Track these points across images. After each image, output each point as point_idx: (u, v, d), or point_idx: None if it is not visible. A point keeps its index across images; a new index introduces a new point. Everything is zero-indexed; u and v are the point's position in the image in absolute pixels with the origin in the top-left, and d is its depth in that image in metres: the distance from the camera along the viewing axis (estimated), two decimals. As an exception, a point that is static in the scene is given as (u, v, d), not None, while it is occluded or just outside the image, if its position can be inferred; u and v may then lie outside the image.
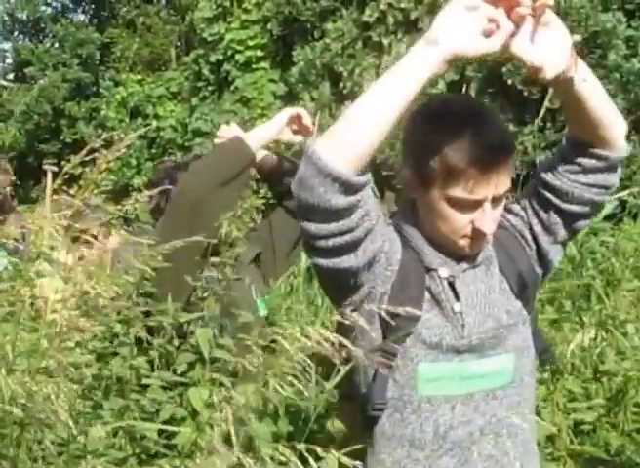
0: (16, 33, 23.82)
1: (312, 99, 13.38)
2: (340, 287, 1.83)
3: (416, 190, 1.84)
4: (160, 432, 2.12)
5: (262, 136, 2.78)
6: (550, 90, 4.14)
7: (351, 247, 1.72)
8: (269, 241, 2.94)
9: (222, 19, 16.22)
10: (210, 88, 16.81)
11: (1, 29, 23.99)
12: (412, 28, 12.07)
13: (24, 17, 23.62)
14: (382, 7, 12.43)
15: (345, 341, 1.55)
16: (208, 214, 2.59)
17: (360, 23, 12.88)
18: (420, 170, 1.80)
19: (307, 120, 2.83)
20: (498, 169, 1.75)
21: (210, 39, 16.27)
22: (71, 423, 1.72)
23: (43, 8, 23.90)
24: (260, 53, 15.83)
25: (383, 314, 1.67)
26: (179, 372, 2.30)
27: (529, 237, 1.93)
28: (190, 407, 2.09)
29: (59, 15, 23.63)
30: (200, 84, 17.03)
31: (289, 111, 2.84)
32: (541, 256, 1.94)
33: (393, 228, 1.89)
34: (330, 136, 1.67)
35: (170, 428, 2.03)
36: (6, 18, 23.72)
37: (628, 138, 1.81)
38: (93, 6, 24.00)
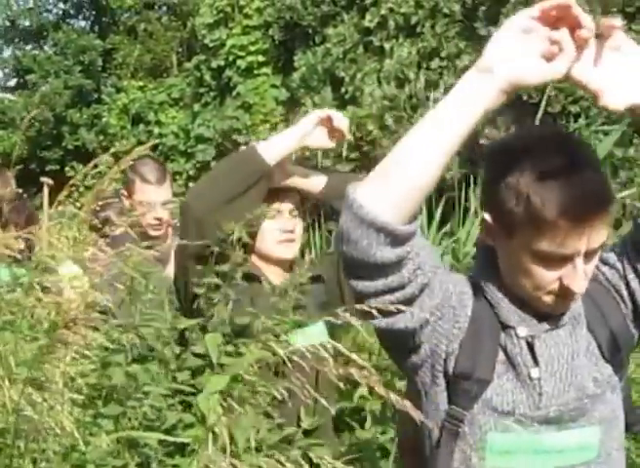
0: (17, 40, 23.85)
1: (314, 105, 13.37)
2: (398, 348, 1.65)
3: (495, 237, 1.61)
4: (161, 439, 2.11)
5: (285, 145, 2.46)
6: (547, 92, 4.10)
7: (405, 304, 1.53)
8: (336, 273, 2.61)
9: (224, 24, 16.24)
10: (212, 94, 16.83)
11: (2, 35, 24.04)
12: (413, 33, 12.07)
13: (26, 24, 23.67)
14: (383, 12, 12.41)
15: (351, 354, 1.50)
16: (213, 233, 2.38)
17: (361, 28, 12.87)
18: (500, 215, 1.56)
19: (341, 122, 2.50)
20: (592, 222, 1.51)
21: (211, 45, 16.30)
22: (76, 433, 1.72)
23: (44, 15, 23.97)
24: (261, 58, 15.85)
25: (449, 374, 1.55)
26: (182, 379, 2.29)
27: (625, 293, 1.67)
28: (199, 412, 2.05)
29: (60, 22, 23.67)
30: (202, 90, 17.05)
31: (318, 113, 2.52)
32: (639, 316, 1.68)
33: (466, 277, 1.69)
34: (372, 182, 1.47)
35: (170, 438, 2.02)
36: (7, 24, 23.77)
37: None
38: (94, 13, 24.05)
